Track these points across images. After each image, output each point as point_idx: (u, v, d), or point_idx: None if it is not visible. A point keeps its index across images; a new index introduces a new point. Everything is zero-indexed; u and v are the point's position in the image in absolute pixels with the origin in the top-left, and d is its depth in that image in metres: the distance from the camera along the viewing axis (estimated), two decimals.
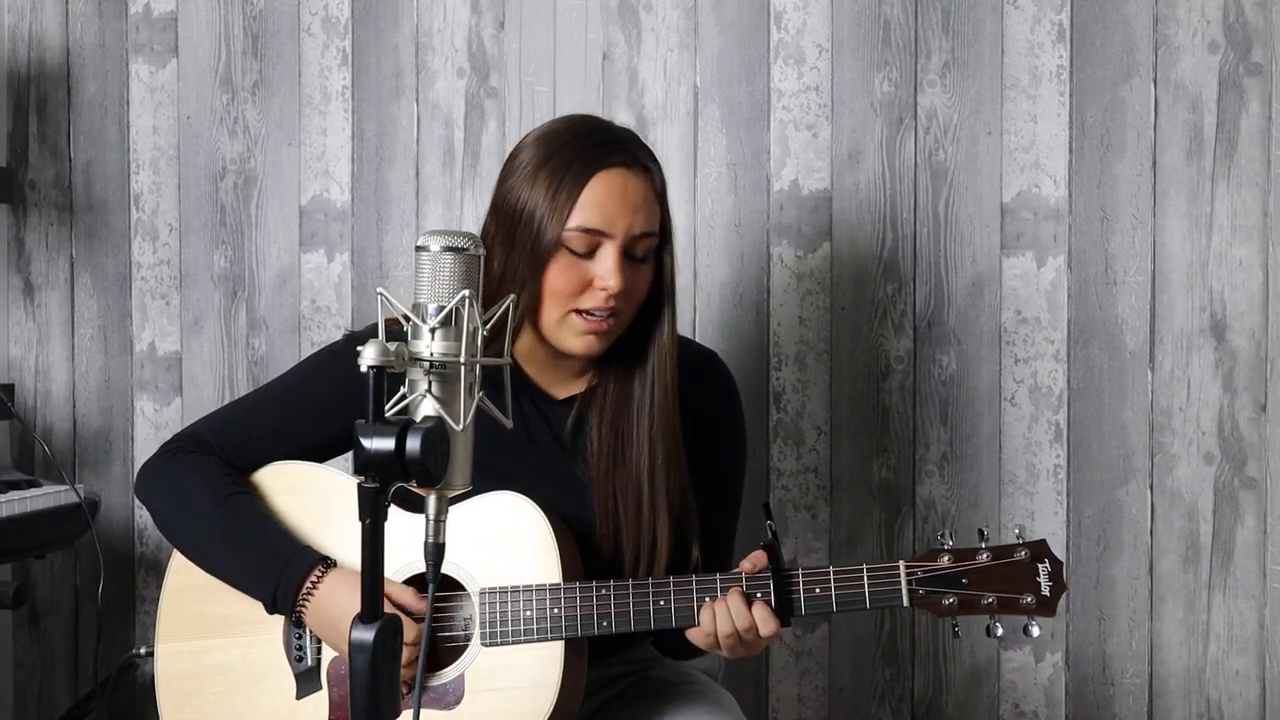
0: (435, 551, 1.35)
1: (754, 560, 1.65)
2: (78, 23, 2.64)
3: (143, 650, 1.84)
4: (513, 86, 2.44)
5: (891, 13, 2.31)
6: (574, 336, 1.68)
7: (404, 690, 1.66)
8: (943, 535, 1.65)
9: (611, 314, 1.67)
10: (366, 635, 1.26)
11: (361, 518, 1.27)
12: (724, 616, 1.62)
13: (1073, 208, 2.27)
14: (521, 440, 1.76)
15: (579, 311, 1.67)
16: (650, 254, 1.69)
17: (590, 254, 1.66)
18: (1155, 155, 2.24)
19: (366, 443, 1.25)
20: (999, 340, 2.30)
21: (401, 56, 2.49)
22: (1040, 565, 1.61)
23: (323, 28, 2.53)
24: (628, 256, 1.66)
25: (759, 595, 1.63)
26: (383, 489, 1.27)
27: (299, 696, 1.72)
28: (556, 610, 1.64)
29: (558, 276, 1.66)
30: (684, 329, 2.35)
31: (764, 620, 1.62)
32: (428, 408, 1.32)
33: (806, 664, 2.38)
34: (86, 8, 2.63)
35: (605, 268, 1.65)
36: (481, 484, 1.67)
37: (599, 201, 1.65)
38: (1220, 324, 2.23)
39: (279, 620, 1.73)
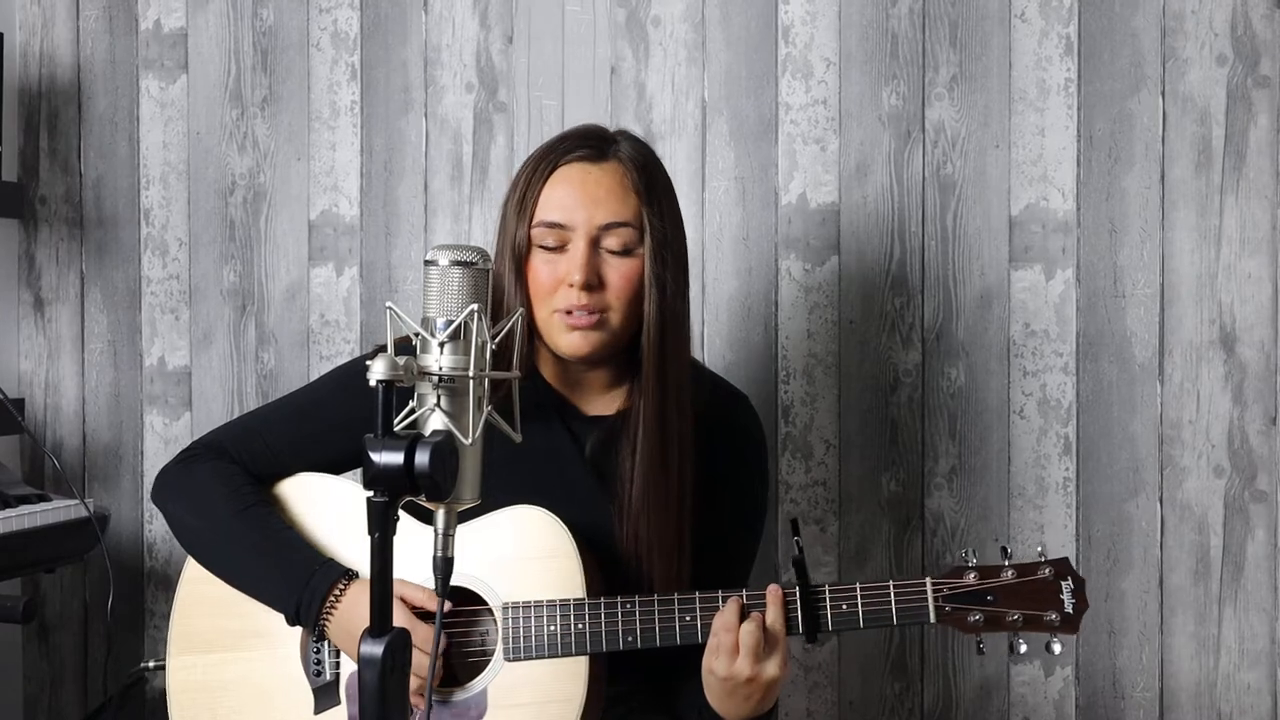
0: (444, 565, 1.35)
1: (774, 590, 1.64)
2: (88, 39, 2.65)
3: (151, 664, 1.84)
4: (521, 101, 2.45)
5: (899, 26, 2.31)
6: (560, 336, 1.69)
7: (421, 704, 1.65)
8: (966, 553, 1.66)
9: (593, 311, 1.67)
10: (376, 649, 1.26)
11: (370, 532, 1.28)
12: (739, 638, 1.59)
13: (1081, 220, 2.27)
14: (546, 455, 1.75)
15: (561, 312, 1.67)
16: (632, 247, 1.69)
17: (561, 249, 1.68)
18: (1164, 168, 2.24)
19: (375, 457, 1.26)
20: (1008, 353, 2.29)
21: (410, 71, 2.50)
22: (1063, 583, 1.63)
23: (332, 43, 2.54)
24: (602, 249, 1.67)
25: (786, 613, 1.62)
26: (392, 503, 1.27)
27: (317, 711, 1.71)
28: (581, 625, 1.64)
29: (534, 275, 1.69)
30: (693, 342, 2.36)
31: (775, 616, 1.60)
32: (436, 422, 1.33)
33: (816, 678, 2.37)
34: (97, 24, 2.65)
35: (572, 261, 1.66)
36: (504, 497, 1.67)
37: (559, 195, 1.68)
38: (1229, 336, 2.23)
39: (295, 633, 1.72)
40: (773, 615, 1.61)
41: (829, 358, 2.35)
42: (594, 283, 1.66)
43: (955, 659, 2.32)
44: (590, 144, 1.71)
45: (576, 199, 1.68)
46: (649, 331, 1.70)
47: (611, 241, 1.68)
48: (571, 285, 1.66)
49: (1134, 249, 2.25)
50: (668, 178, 1.77)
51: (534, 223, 1.68)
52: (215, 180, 2.59)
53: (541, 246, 1.68)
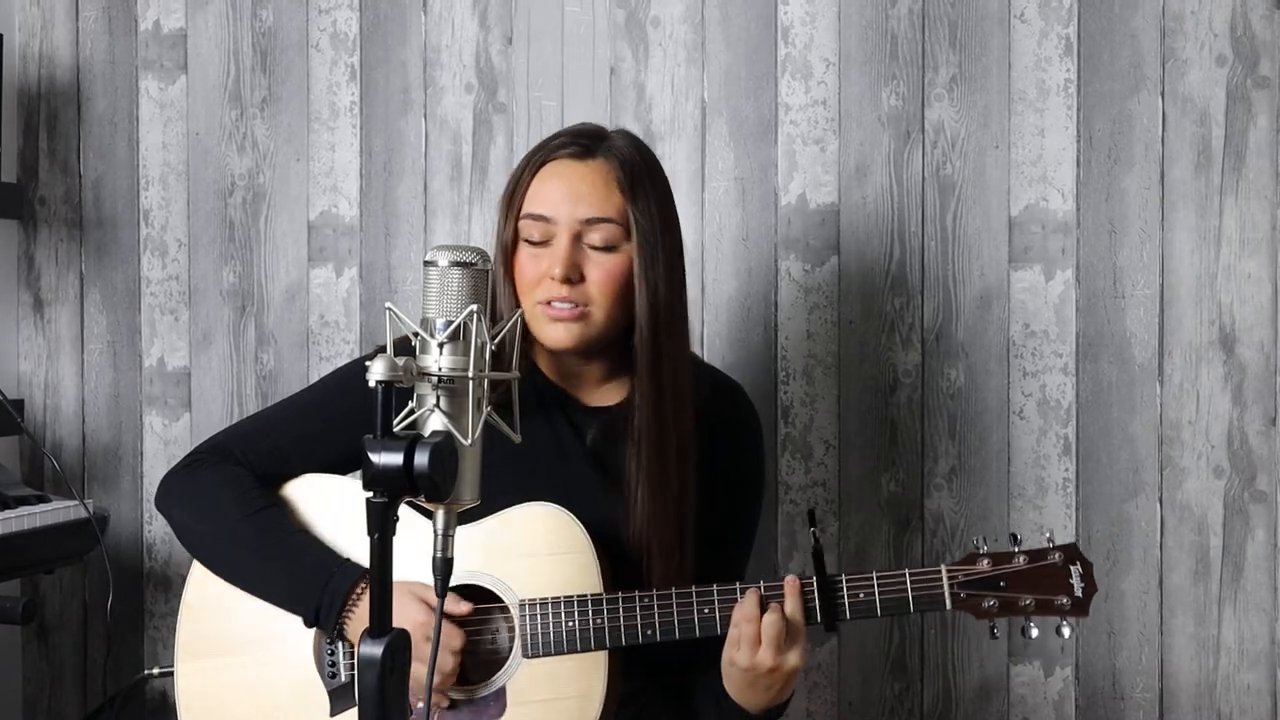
0: (444, 566, 1.35)
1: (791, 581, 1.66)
2: (88, 40, 2.65)
3: (155, 670, 1.83)
4: (520, 102, 2.45)
5: (899, 27, 2.31)
6: (544, 327, 1.71)
7: (442, 702, 1.65)
8: (978, 540, 1.70)
9: (575, 304, 1.69)
10: (375, 650, 1.25)
11: (370, 533, 1.28)
12: (767, 624, 1.61)
13: (1080, 221, 2.27)
14: (548, 447, 1.76)
15: (543, 303, 1.70)
16: (615, 244, 1.70)
17: (546, 243, 1.70)
18: (1163, 168, 2.24)
19: (374, 458, 1.26)
20: (1007, 354, 2.29)
21: (410, 72, 2.50)
22: (1073, 567, 1.67)
23: (331, 44, 2.54)
24: (584, 245, 1.70)
25: (805, 603, 1.65)
26: (391, 504, 1.27)
27: (333, 714, 1.70)
28: (600, 620, 1.64)
29: (519, 269, 1.72)
30: (693, 342, 2.36)
31: (794, 607, 1.63)
32: (436, 423, 1.32)
33: (816, 678, 2.37)
34: (96, 25, 2.65)
35: (554, 255, 1.69)
36: (509, 491, 1.68)
37: (545, 189, 1.71)
38: (1229, 337, 2.23)
39: (308, 636, 1.72)
40: (792, 606, 1.63)
41: (829, 358, 2.35)
42: (574, 277, 1.68)
43: (955, 659, 2.32)
44: (581, 141, 1.74)
45: (561, 193, 1.70)
46: (641, 329, 1.71)
47: (594, 237, 1.70)
48: (553, 278, 1.68)
49: (1133, 249, 2.25)
50: (661, 176, 1.78)
51: (520, 216, 1.72)
52: (214, 181, 2.59)
53: (527, 240, 1.71)
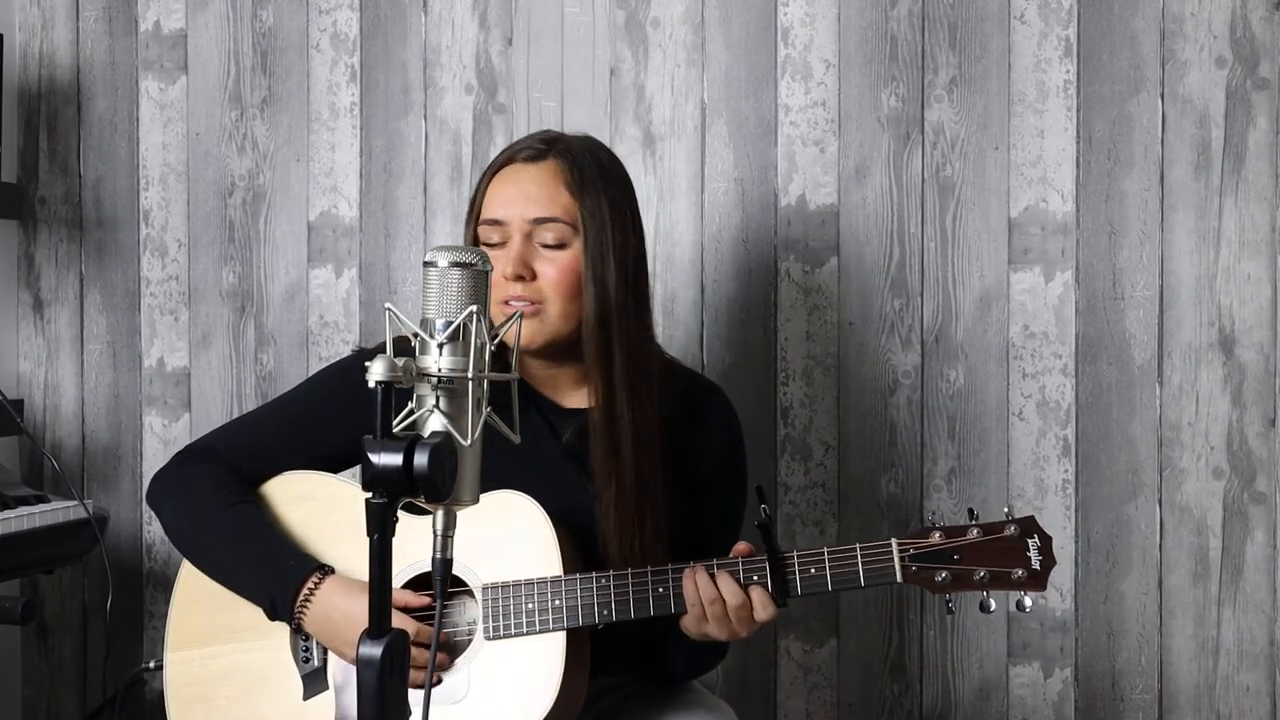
0: (443, 566, 1.35)
1: (743, 550, 1.69)
2: (88, 40, 2.65)
3: (151, 664, 1.86)
4: (520, 103, 2.45)
5: (898, 28, 2.31)
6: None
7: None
8: (933, 514, 1.70)
9: (528, 300, 1.72)
10: (374, 650, 1.26)
11: (369, 533, 1.28)
12: (711, 595, 1.65)
13: (1080, 222, 2.27)
14: (528, 446, 1.77)
15: (503, 304, 1.73)
16: (566, 241, 1.74)
17: (503, 245, 1.74)
18: (1163, 170, 2.24)
19: (374, 458, 1.26)
20: (1007, 355, 2.29)
21: (410, 73, 2.50)
22: (1030, 540, 1.65)
23: (331, 44, 2.54)
24: (536, 243, 1.74)
25: (755, 579, 1.66)
26: (391, 505, 1.27)
27: (306, 697, 1.75)
28: (558, 601, 1.67)
29: None
30: (692, 343, 2.37)
31: (762, 604, 1.65)
32: (435, 423, 1.33)
33: (815, 679, 2.37)
34: (97, 25, 2.65)
35: (507, 254, 1.73)
36: (486, 487, 1.70)
37: (499, 194, 1.76)
38: (1229, 338, 2.23)
39: (285, 625, 1.76)
40: (728, 586, 1.65)
41: (828, 359, 2.35)
42: (524, 274, 1.73)
43: (954, 660, 2.32)
44: (535, 146, 1.78)
45: (511, 196, 1.75)
46: (588, 324, 1.74)
47: (545, 235, 1.74)
48: (505, 277, 1.72)
49: (1133, 251, 2.25)
50: (618, 176, 1.80)
51: (479, 222, 1.77)
52: (214, 181, 2.59)
53: (486, 244, 1.76)
